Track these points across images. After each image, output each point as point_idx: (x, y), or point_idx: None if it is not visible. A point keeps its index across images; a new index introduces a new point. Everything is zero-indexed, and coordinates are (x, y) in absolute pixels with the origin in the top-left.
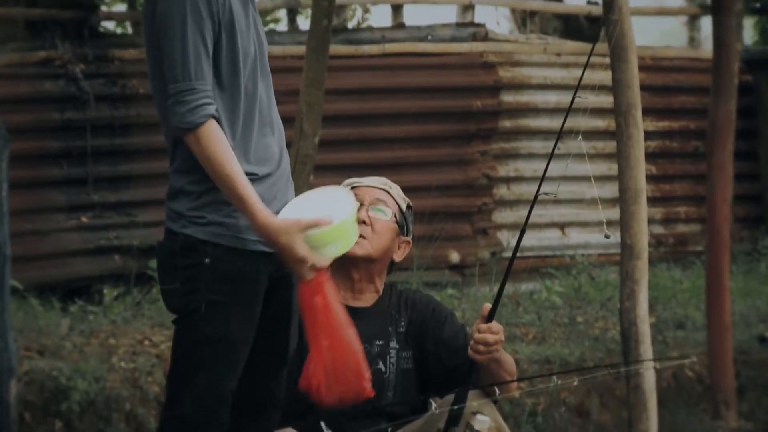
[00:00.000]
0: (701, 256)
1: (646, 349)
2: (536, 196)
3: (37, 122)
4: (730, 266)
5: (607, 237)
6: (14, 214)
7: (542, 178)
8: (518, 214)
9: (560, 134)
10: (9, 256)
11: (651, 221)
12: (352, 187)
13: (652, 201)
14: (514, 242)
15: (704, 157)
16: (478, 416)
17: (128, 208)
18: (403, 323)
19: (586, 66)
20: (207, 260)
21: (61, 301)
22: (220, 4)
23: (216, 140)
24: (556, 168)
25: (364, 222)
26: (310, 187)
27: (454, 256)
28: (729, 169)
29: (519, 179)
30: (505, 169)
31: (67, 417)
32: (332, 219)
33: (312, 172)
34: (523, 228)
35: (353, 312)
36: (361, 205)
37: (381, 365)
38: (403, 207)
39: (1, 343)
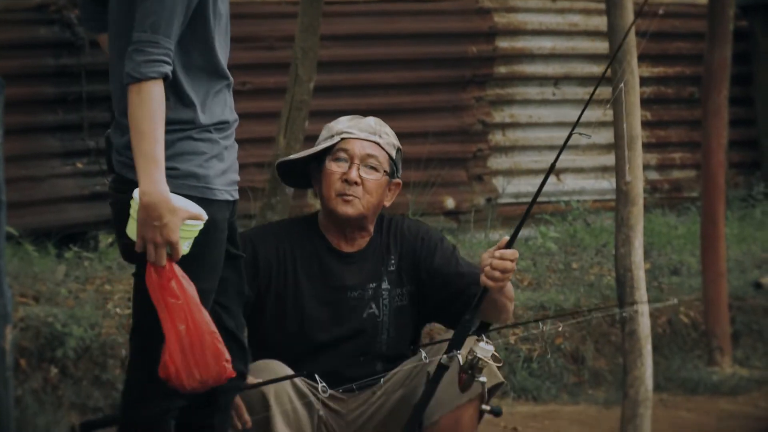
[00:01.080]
0: (696, 202)
1: (642, 295)
2: (550, 170)
3: (32, 68)
4: (725, 212)
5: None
6: (9, 160)
7: (550, 170)
8: (513, 161)
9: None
10: (4, 201)
11: (646, 167)
12: (342, 139)
13: (647, 147)
14: (509, 189)
15: (699, 102)
16: (482, 343)
17: None
18: (393, 261)
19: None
20: None
21: (57, 247)
22: None
23: (158, 99)
24: (552, 114)
25: (355, 182)
26: (305, 133)
27: (450, 202)
28: (724, 115)
29: (514, 125)
30: (500, 115)
31: (62, 363)
32: (205, 218)
33: (307, 118)
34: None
35: (346, 257)
36: (352, 162)
37: (375, 309)
38: (393, 154)
39: None
